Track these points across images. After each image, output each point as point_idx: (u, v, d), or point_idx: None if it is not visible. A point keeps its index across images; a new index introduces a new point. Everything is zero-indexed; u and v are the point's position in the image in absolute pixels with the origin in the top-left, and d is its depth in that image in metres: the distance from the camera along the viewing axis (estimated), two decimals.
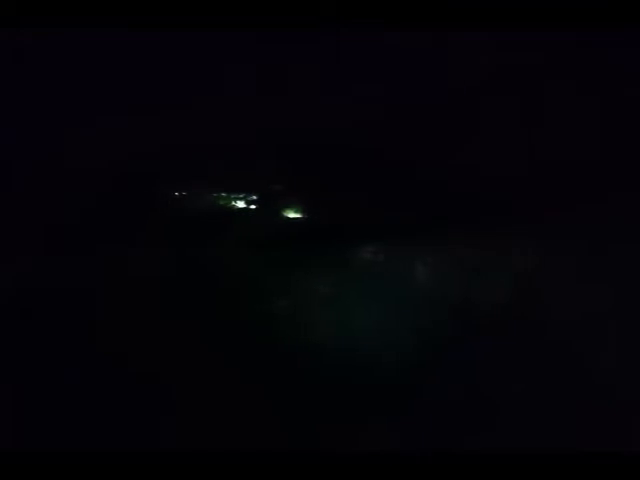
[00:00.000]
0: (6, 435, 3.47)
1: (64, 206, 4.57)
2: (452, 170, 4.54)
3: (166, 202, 4.86)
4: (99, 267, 4.37)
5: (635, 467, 3.03)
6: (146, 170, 4.76)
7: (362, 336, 4.06)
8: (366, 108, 4.60)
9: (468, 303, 4.15)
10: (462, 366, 3.84)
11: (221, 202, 4.96)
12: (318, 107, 4.60)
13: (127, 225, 4.60)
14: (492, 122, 4.57)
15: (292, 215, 4.85)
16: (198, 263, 4.48)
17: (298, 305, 4.31)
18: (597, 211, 4.20)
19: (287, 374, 3.87)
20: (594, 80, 4.39)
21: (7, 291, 4.14)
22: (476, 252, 4.30)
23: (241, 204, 4.94)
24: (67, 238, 4.47)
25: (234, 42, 4.57)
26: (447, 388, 3.78)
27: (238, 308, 4.27)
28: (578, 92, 4.41)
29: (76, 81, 4.62)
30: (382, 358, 3.92)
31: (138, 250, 4.47)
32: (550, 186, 4.41)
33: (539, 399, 3.69)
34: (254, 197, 4.95)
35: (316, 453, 3.30)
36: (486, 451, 3.25)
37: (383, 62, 4.57)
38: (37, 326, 4.00)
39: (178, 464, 3.21)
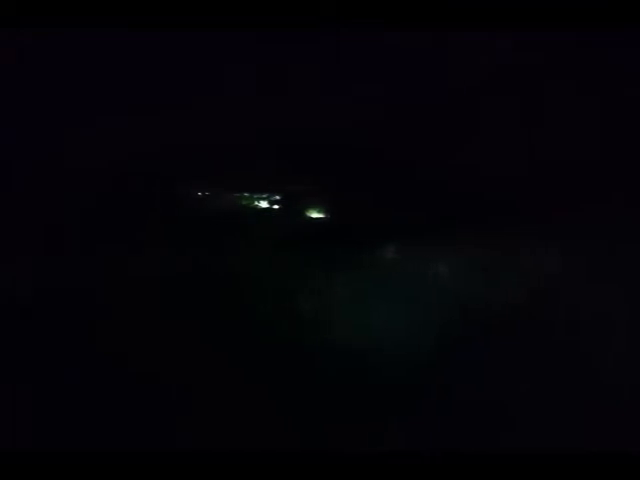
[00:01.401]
0: (6, 435, 3.47)
1: (64, 206, 4.57)
2: (453, 170, 4.54)
3: (165, 202, 4.86)
4: (99, 267, 4.36)
5: None
6: (146, 170, 4.76)
7: (372, 335, 4.06)
8: (366, 108, 4.60)
9: (477, 302, 4.15)
10: (472, 366, 3.84)
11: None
12: (318, 107, 4.60)
13: (126, 225, 4.60)
14: (492, 122, 4.57)
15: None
16: (199, 263, 4.47)
17: (301, 305, 4.31)
18: (598, 211, 4.20)
19: (301, 374, 3.87)
20: (594, 80, 4.39)
21: (7, 291, 4.14)
22: (485, 252, 4.30)
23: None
24: (67, 238, 4.47)
25: (234, 42, 4.57)
26: (456, 388, 3.78)
27: (241, 308, 4.27)
28: (578, 92, 4.41)
29: (76, 81, 4.61)
30: (391, 358, 3.91)
31: (138, 250, 4.47)
32: (551, 186, 4.42)
33: (552, 399, 3.70)
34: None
35: (325, 453, 3.30)
36: (496, 451, 3.24)
37: (383, 62, 4.56)
38: (37, 326, 4.00)
39: (184, 464, 3.21)
